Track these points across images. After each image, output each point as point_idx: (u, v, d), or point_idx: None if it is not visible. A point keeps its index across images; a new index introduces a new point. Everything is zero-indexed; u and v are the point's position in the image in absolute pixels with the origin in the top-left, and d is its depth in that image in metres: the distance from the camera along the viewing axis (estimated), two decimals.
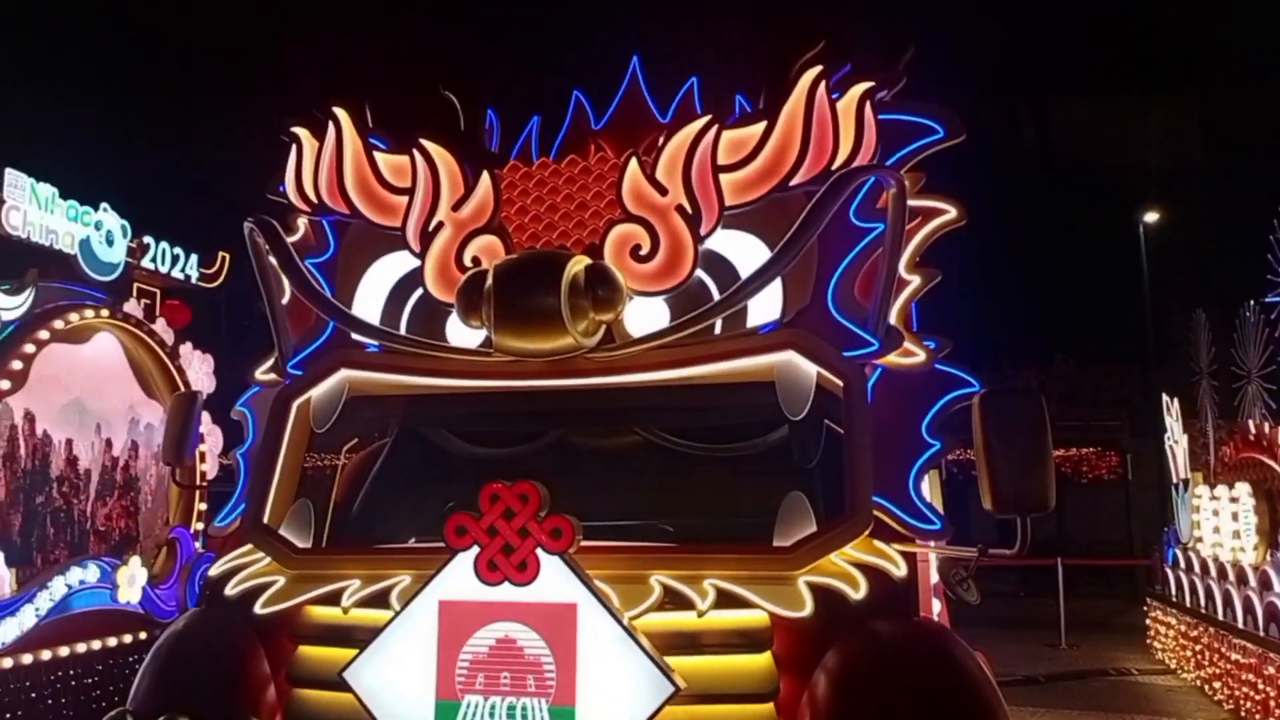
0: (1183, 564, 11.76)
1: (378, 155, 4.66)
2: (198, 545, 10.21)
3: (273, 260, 4.62)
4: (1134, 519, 22.32)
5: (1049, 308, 23.63)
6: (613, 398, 4.43)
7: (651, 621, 3.64)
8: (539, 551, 3.61)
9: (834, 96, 4.29)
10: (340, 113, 4.73)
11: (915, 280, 4.31)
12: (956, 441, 4.09)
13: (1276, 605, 8.01)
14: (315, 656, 4.03)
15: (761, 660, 3.65)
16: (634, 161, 4.35)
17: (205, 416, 10.90)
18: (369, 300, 4.66)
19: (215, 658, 4.03)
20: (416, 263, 4.55)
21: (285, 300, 4.78)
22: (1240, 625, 9.06)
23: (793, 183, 4.25)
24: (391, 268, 4.66)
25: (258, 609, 4.08)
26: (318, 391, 4.60)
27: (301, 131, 4.79)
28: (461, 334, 4.48)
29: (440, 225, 4.49)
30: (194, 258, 10.73)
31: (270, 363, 4.82)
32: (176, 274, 10.46)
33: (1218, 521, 10.15)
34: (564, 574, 3.61)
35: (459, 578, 3.69)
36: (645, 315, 4.30)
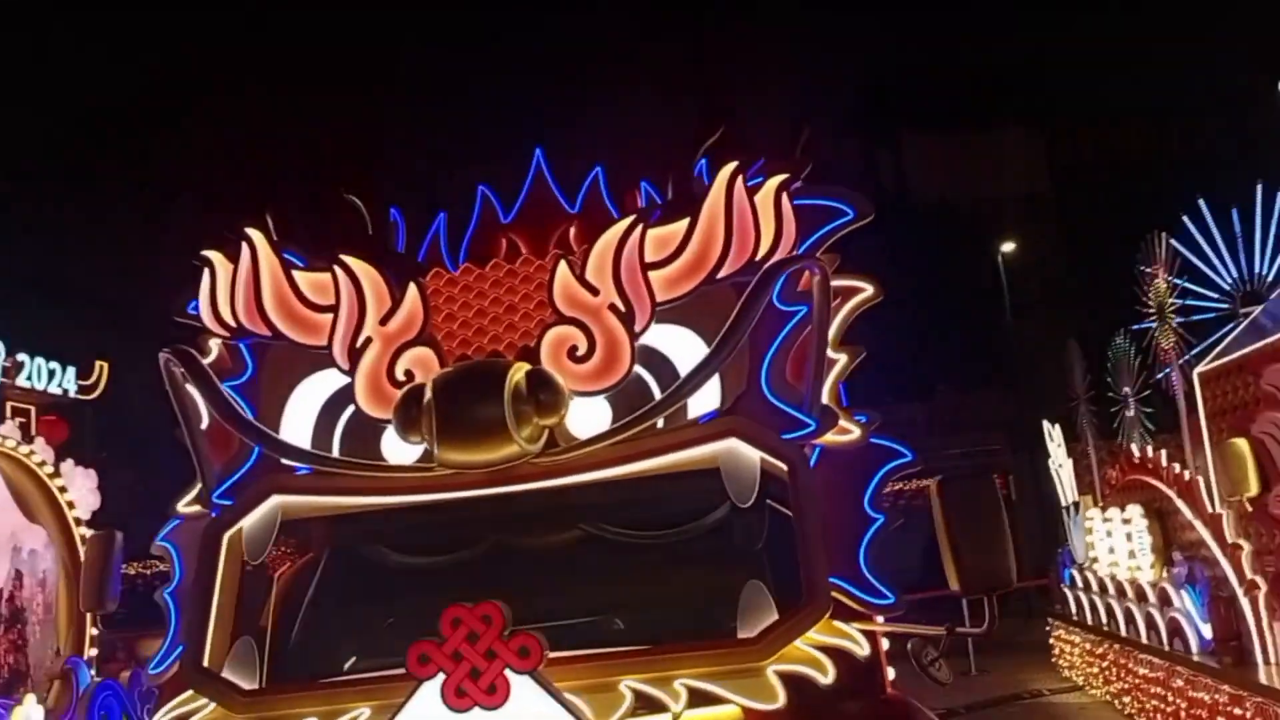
0: (1080, 583, 12.30)
1: (296, 274, 4.59)
2: (93, 674, 9.65)
3: (190, 388, 4.48)
4: (1019, 539, 23.16)
5: (928, 341, 24.62)
6: (557, 496, 4.43)
7: None
8: (508, 672, 3.58)
9: (750, 184, 4.44)
10: (254, 233, 4.65)
11: (842, 358, 4.47)
12: (896, 515, 4.23)
13: (1178, 620, 8.46)
14: None
15: None
16: (563, 263, 4.40)
17: (86, 534, 10.39)
18: (297, 421, 4.56)
19: None
20: (345, 380, 4.47)
21: (204, 427, 4.63)
22: (1144, 640, 9.52)
23: (719, 275, 4.37)
24: (319, 387, 4.57)
25: None
26: (249, 521, 4.45)
27: (214, 255, 4.68)
28: (398, 448, 4.42)
29: (369, 341, 4.43)
30: (71, 370, 10.26)
31: (193, 494, 4.64)
32: (54, 389, 9.98)
33: (1112, 542, 10.69)
34: (536, 693, 3.58)
35: (426, 708, 3.62)
36: (586, 414, 4.32)
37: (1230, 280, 10.43)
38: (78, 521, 10.16)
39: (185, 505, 4.66)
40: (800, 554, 3.97)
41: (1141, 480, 9.69)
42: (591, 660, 3.84)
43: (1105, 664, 10.88)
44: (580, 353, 4.29)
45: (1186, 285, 10.22)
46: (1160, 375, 10.45)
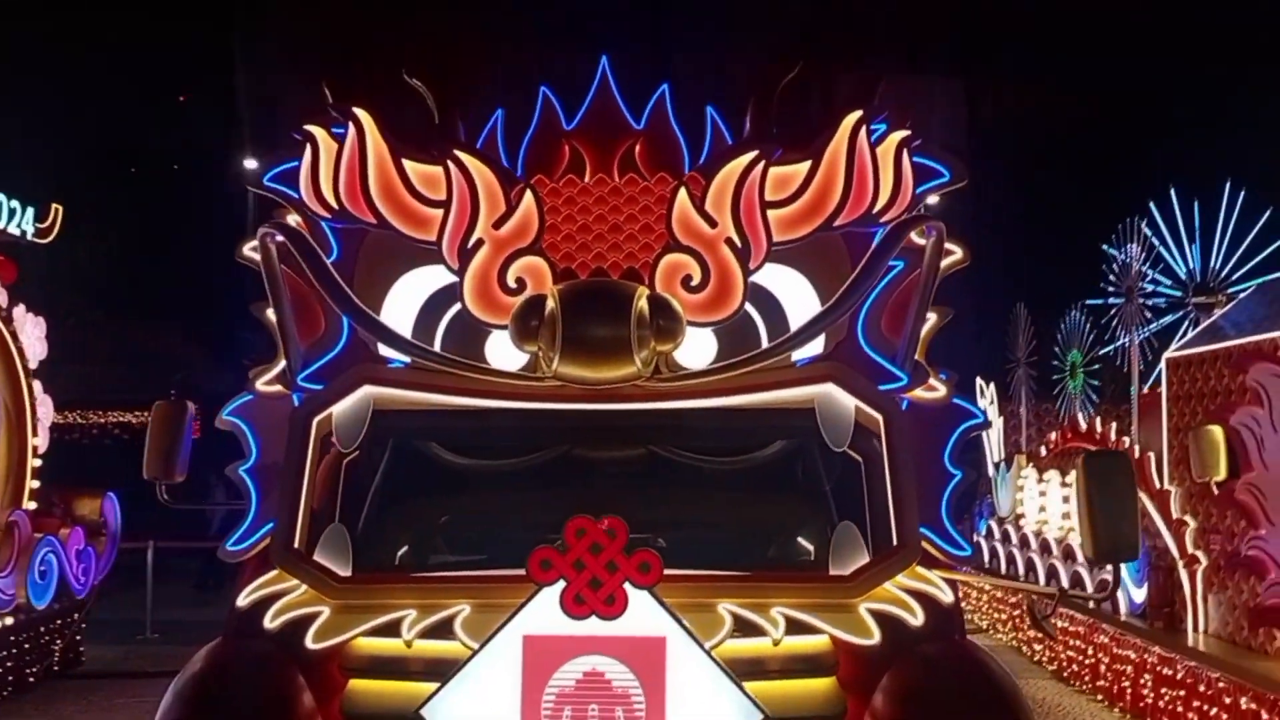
0: (998, 535, 13.12)
1: (406, 163, 4.53)
2: (32, 530, 9.41)
3: (283, 267, 4.42)
4: None
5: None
6: (632, 415, 4.57)
7: (725, 649, 3.86)
8: (626, 585, 3.74)
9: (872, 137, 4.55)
10: (362, 114, 4.55)
11: (933, 318, 4.68)
12: (971, 472, 4.53)
13: (1106, 580, 9.17)
14: (372, 690, 3.99)
15: (828, 684, 3.96)
16: (683, 191, 4.47)
17: (36, 386, 10.04)
18: (398, 314, 4.55)
19: (260, 694, 3.89)
20: (450, 278, 4.48)
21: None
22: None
23: (836, 223, 4.50)
24: (422, 282, 4.57)
25: (310, 644, 3.97)
26: (340, 409, 4.47)
27: (317, 131, 4.57)
28: (502, 353, 4.48)
29: (480, 242, 4.44)
30: (30, 211, 9.73)
31: (274, 373, 4.61)
32: (13, 229, 9.47)
33: (1044, 501, 11.41)
34: (652, 608, 3.75)
35: (543, 612, 3.75)
36: (690, 344, 4.45)
37: (1185, 270, 11.08)
38: (26, 370, 9.80)
39: (265, 384, 4.62)
40: (893, 502, 4.22)
41: (1084, 448, 10.34)
42: (692, 581, 4.03)
43: (1017, 613, 11.70)
44: (694, 282, 4.40)
45: (1143, 269, 10.77)
46: (1110, 349, 11.09)
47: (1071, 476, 10.85)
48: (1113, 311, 10.80)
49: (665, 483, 4.89)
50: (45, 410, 10.14)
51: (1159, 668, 7.74)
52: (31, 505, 9.69)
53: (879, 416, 4.39)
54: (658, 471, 4.92)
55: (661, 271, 4.41)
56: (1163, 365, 8.68)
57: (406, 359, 4.51)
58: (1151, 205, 11.50)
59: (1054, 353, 12.90)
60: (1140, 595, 8.59)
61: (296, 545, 4.21)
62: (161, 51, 26.32)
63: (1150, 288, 10.62)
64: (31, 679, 9.40)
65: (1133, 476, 4.00)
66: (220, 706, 3.86)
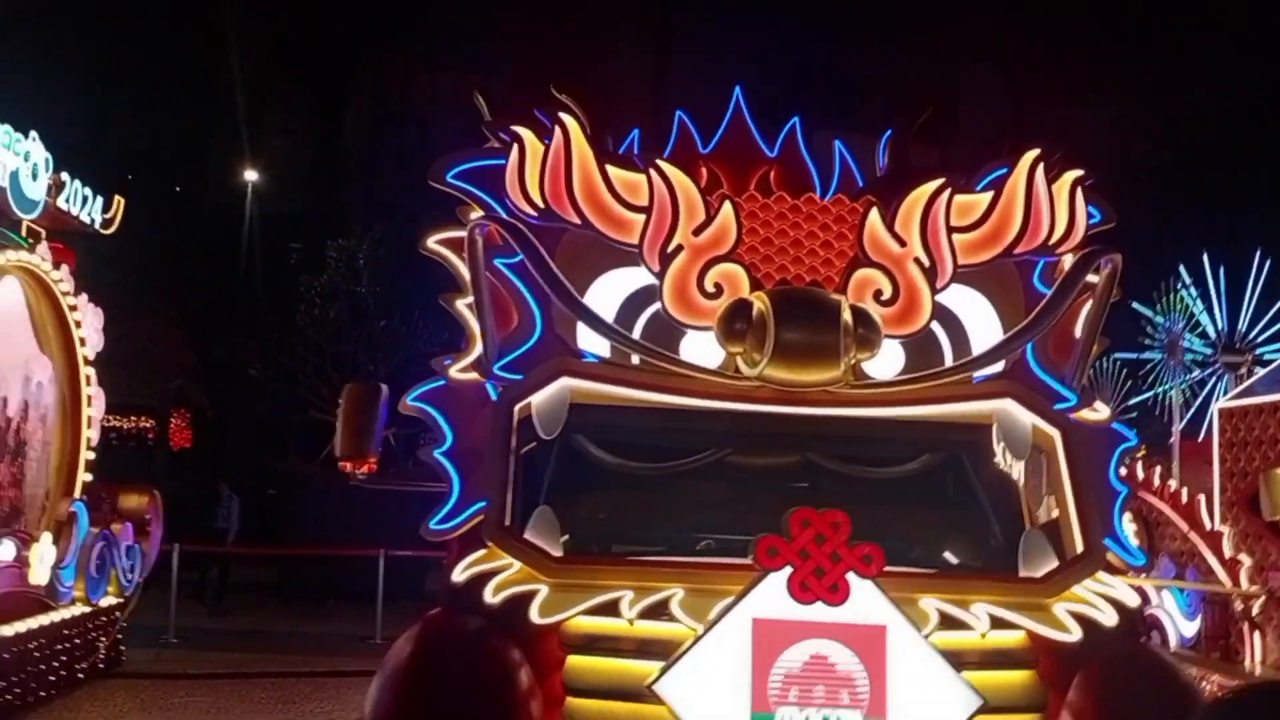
0: None
1: (609, 168, 4.77)
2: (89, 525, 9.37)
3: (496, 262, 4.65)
4: None
5: None
6: (784, 422, 4.82)
7: (934, 640, 4.09)
8: (850, 576, 3.97)
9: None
10: (569, 120, 4.80)
11: (1096, 346, 5.01)
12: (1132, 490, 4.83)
13: (1156, 616, 9.52)
14: (592, 666, 4.17)
15: (1029, 676, 4.22)
16: (874, 211, 4.77)
17: (93, 377, 10.02)
18: (598, 311, 4.76)
19: (484, 664, 4.05)
20: (648, 280, 4.73)
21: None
22: None
23: (1016, 250, 4.83)
24: (621, 282, 4.81)
25: (536, 619, 4.14)
26: (539, 398, 4.67)
27: (525, 132, 4.81)
28: (697, 354, 4.71)
29: (679, 248, 4.69)
30: (99, 200, 9.75)
31: (468, 361, 4.82)
32: (84, 217, 9.48)
33: None
34: (874, 597, 4.00)
35: (770, 596, 3.98)
36: (879, 355, 4.71)
37: (1215, 330, 11.63)
38: (85, 360, 9.78)
39: (459, 371, 4.80)
40: (1076, 511, 4.53)
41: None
42: (897, 577, 4.26)
43: None
44: (884, 297, 4.69)
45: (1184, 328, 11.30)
46: (1144, 397, 11.57)
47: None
48: (1148, 365, 11.29)
49: (836, 489, 5.13)
50: (99, 403, 10.11)
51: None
52: (81, 499, 9.61)
53: (1055, 433, 4.69)
54: (824, 478, 5.17)
55: (853, 285, 4.69)
56: (1214, 414, 9.12)
57: (599, 355, 4.73)
58: (1181, 267, 12.06)
59: None
60: (1190, 629, 8.95)
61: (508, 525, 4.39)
62: (166, 55, 26.40)
63: (1189, 346, 11.14)
64: (81, 675, 9.31)
65: None
66: (445, 675, 4.00)
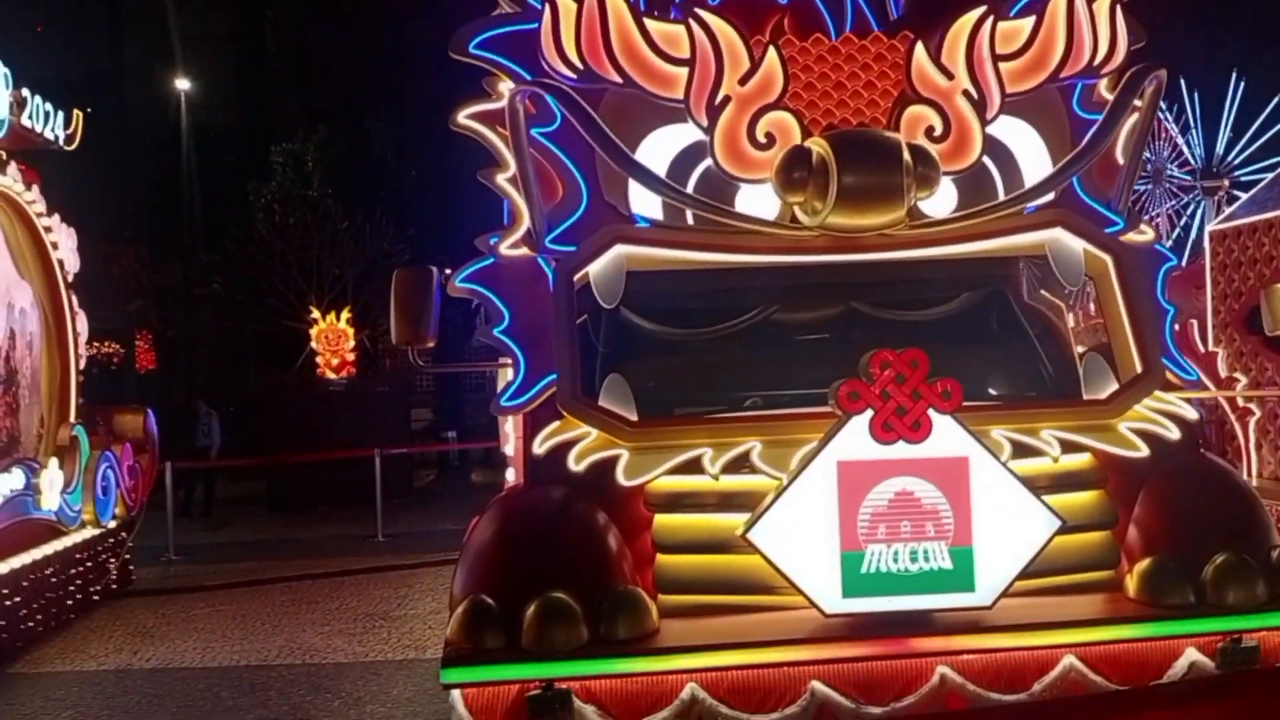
0: None
1: (647, 21, 4.62)
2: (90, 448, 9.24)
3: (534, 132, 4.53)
4: None
5: None
6: (830, 272, 4.84)
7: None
8: (930, 412, 4.04)
9: None
10: None
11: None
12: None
13: None
14: (679, 524, 4.24)
15: (1099, 495, 4.37)
16: (920, 45, 4.69)
17: (74, 300, 9.76)
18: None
19: (575, 528, 4.10)
20: (696, 136, 4.63)
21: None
22: None
23: (1062, 75, 4.78)
24: (669, 141, 4.71)
25: (623, 482, 4.18)
26: (596, 268, 4.61)
27: None
28: (750, 208, 4.66)
29: (726, 99, 4.59)
30: (60, 116, 9.30)
31: (517, 236, 4.73)
32: (48, 134, 9.04)
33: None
34: (955, 431, 4.08)
35: (853, 439, 4.05)
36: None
37: (1195, 156, 11.75)
38: (66, 283, 9.49)
39: (509, 248, 4.72)
40: (1133, 332, 4.62)
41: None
42: (968, 412, 4.33)
43: None
44: (936, 133, 4.64)
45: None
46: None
47: None
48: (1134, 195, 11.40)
49: (886, 336, 5.16)
50: (82, 325, 9.86)
51: None
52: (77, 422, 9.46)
53: (1107, 257, 4.75)
54: (872, 326, 5.21)
55: (905, 123, 4.63)
56: (1206, 238, 9.28)
57: (651, 220, 4.66)
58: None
59: None
60: None
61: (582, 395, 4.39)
62: None
63: (1174, 171, 11.26)
64: (96, 597, 9.31)
65: None
66: (539, 543, 4.04)
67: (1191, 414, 4.59)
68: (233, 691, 6.71)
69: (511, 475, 8.03)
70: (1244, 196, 9.61)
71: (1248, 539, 4.20)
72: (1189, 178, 11.81)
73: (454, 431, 22.27)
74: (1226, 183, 11.12)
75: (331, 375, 17.59)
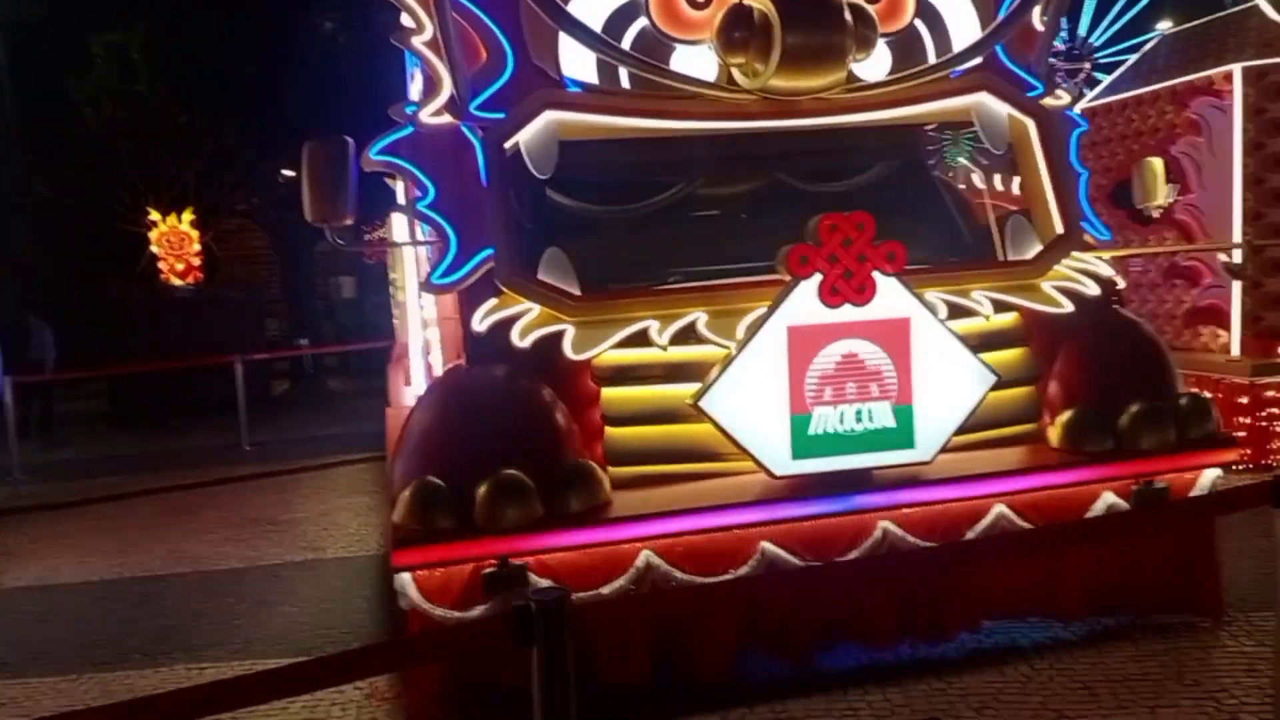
0: None
1: None
2: None
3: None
4: None
5: None
6: (752, 143, 4.84)
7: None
8: (875, 274, 4.11)
9: None
10: None
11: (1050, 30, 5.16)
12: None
13: None
14: (629, 396, 4.23)
15: (1025, 352, 4.57)
16: None
17: None
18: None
19: (522, 407, 4.04)
20: None
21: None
22: None
23: None
24: (599, 1, 4.52)
25: (571, 356, 4.12)
26: (527, 136, 4.45)
27: None
28: (688, 70, 4.55)
29: None
30: None
31: (439, 103, 4.49)
32: None
33: None
34: (898, 292, 4.17)
35: (802, 304, 4.10)
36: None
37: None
38: None
39: (430, 115, 4.49)
40: (1054, 194, 4.81)
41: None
42: (906, 275, 4.43)
43: None
44: None
45: None
46: None
47: None
48: None
49: (813, 206, 5.20)
50: None
51: None
52: None
53: (1029, 121, 4.89)
54: (798, 197, 5.23)
55: None
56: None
57: (583, 83, 4.52)
58: None
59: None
60: None
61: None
62: None
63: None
64: None
65: None
66: (486, 421, 3.96)
67: (1108, 271, 4.83)
68: (123, 603, 6.40)
69: (406, 377, 7.85)
70: (1106, 79, 10.04)
71: (1159, 388, 4.49)
72: (1051, 60, 12.24)
73: (306, 339, 21.54)
74: (1088, 65, 11.55)
75: (177, 281, 16.63)
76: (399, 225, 7.04)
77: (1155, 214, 8.15)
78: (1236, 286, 7.62)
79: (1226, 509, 2.79)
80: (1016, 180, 5.44)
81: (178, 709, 1.64)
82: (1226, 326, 7.74)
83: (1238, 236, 7.53)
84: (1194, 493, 4.45)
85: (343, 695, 4.43)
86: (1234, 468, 4.49)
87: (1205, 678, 3.93)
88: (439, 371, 5.12)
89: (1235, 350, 7.64)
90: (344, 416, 15.21)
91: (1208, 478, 4.48)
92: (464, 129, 4.49)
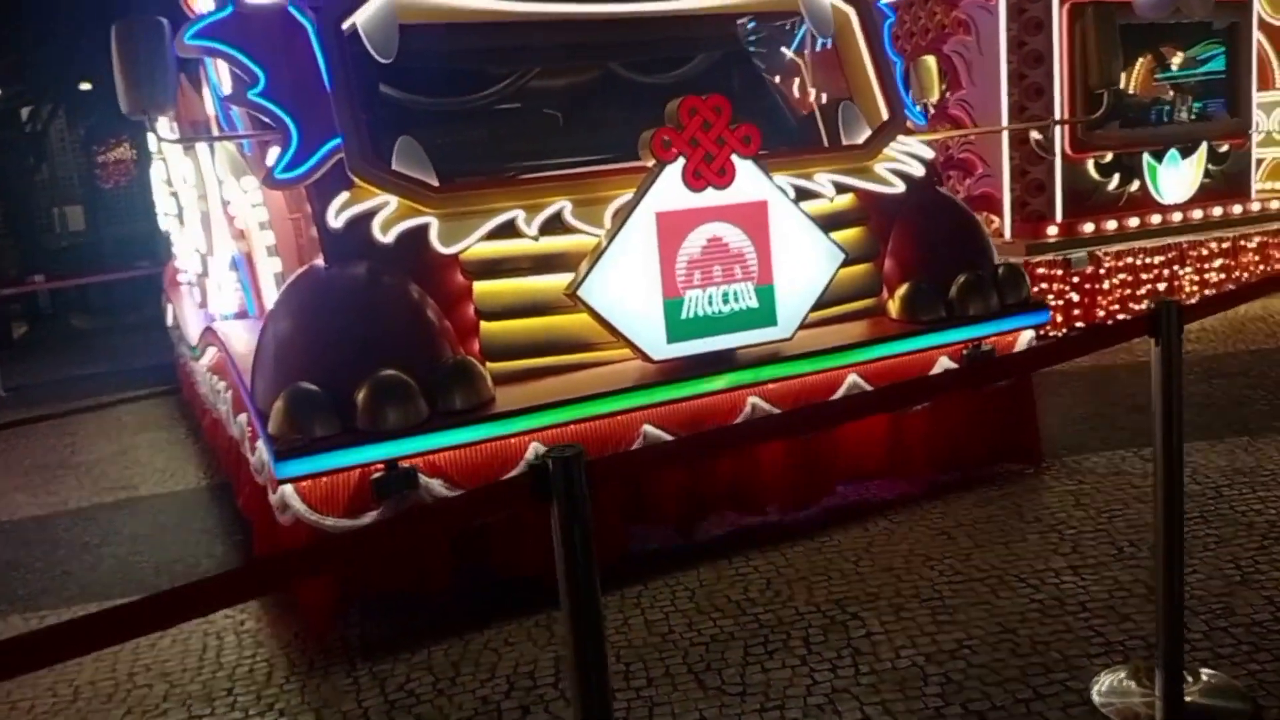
0: None
1: None
2: None
3: None
4: None
5: None
6: (580, 32, 4.89)
7: None
8: (734, 158, 4.25)
9: None
10: None
11: None
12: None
13: None
14: (502, 289, 4.19)
15: (864, 231, 4.86)
16: None
17: None
18: None
19: (393, 306, 3.92)
20: None
21: None
22: None
23: None
24: None
25: (440, 249, 4.01)
26: (364, 16, 4.23)
27: None
28: None
29: None
30: None
31: None
32: None
33: None
34: (755, 175, 4.34)
35: (668, 189, 4.19)
36: None
37: None
38: None
39: None
40: (878, 82, 5.09)
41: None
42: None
43: None
44: None
45: None
46: None
47: None
48: None
49: (645, 97, 5.27)
50: None
51: None
52: None
53: (850, 10, 5.11)
54: (630, 89, 5.29)
55: None
56: None
57: None
58: None
59: None
60: None
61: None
62: None
63: None
64: None
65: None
66: (351, 323, 3.82)
67: (929, 153, 5.17)
68: None
69: (203, 299, 7.32)
70: None
71: (980, 259, 4.91)
72: None
73: (41, 275, 19.66)
74: None
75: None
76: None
77: (930, 109, 8.77)
78: (1006, 175, 8.35)
79: (1111, 340, 3.15)
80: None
81: (56, 648, 1.45)
82: (999, 212, 8.47)
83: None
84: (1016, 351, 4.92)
85: (213, 625, 4.23)
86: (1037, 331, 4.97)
87: (1043, 514, 4.40)
88: (268, 282, 4.84)
89: (1007, 234, 8.40)
90: (100, 355, 14.05)
91: (1024, 339, 4.96)
92: (291, 9, 4.22)
